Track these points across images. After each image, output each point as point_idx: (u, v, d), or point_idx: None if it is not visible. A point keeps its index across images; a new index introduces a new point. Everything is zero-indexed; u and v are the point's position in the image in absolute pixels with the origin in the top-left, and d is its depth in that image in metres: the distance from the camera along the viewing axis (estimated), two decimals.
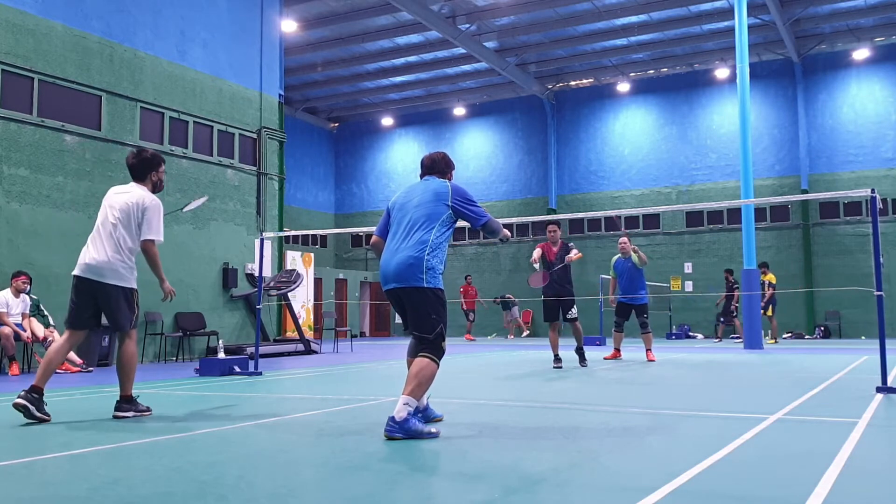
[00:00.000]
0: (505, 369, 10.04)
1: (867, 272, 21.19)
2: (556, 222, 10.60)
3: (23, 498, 2.96)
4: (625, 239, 11.90)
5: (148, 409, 5.48)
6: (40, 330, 10.24)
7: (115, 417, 5.29)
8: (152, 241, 5.46)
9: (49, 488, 3.13)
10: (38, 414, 5.04)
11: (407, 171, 29.75)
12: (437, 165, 4.97)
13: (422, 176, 5.01)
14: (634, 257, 11.65)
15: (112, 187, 5.79)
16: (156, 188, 5.69)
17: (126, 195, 5.55)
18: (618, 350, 11.79)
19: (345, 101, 29.31)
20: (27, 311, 10.15)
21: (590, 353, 13.35)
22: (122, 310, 5.42)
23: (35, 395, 5.06)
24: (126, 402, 5.39)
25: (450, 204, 4.66)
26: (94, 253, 5.41)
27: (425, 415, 4.83)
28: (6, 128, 10.89)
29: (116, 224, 5.43)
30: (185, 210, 10.89)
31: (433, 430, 4.36)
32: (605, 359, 11.59)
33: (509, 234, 5.09)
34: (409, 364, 4.81)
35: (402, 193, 4.90)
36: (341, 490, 3.04)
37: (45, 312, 10.60)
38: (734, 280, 19.12)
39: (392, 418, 4.24)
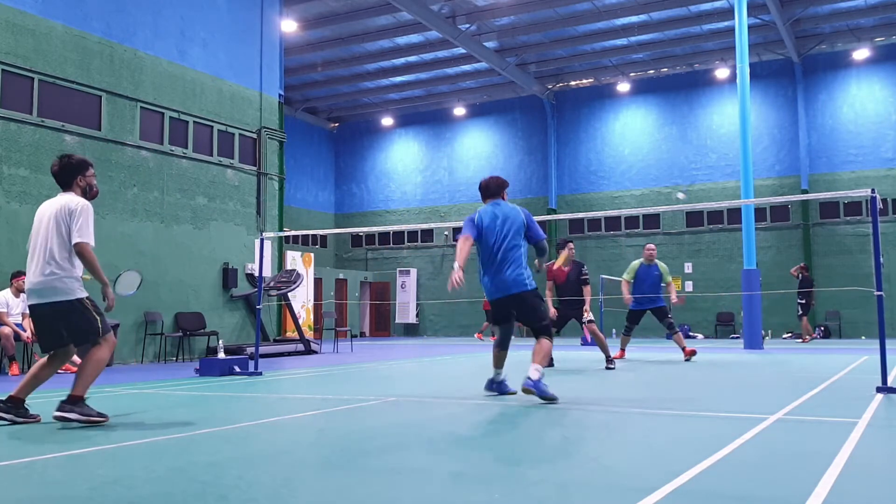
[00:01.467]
0: (505, 369, 10.02)
1: (867, 272, 21.17)
2: (571, 240, 10.73)
3: (23, 498, 2.96)
4: (653, 246, 11.68)
5: (101, 416, 4.95)
6: None
7: (56, 418, 4.85)
8: (84, 243, 5.04)
9: (49, 488, 3.13)
10: (22, 420, 4.96)
11: (407, 170, 29.75)
12: (500, 190, 6.46)
13: (486, 198, 6.44)
14: (662, 266, 11.46)
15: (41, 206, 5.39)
16: (86, 193, 5.30)
17: (50, 206, 5.21)
18: (623, 351, 11.82)
19: (345, 101, 29.30)
20: (27, 312, 10.14)
21: (590, 354, 13.36)
22: (80, 323, 5.05)
23: (10, 404, 4.96)
24: (72, 402, 4.90)
25: (525, 223, 6.25)
26: (30, 276, 5.15)
27: (500, 388, 6.56)
28: (6, 128, 10.89)
29: (46, 238, 5.09)
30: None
31: (555, 394, 5.84)
32: (614, 358, 11.46)
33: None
34: (498, 355, 6.60)
35: (489, 216, 6.25)
36: (342, 490, 3.04)
37: None
38: (810, 276, 19.41)
39: (528, 377, 5.76)
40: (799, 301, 19.11)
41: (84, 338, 5.08)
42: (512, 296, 6.07)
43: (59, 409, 4.85)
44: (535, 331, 6.09)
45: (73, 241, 5.04)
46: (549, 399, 5.78)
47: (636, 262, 11.65)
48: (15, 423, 4.92)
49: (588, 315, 10.23)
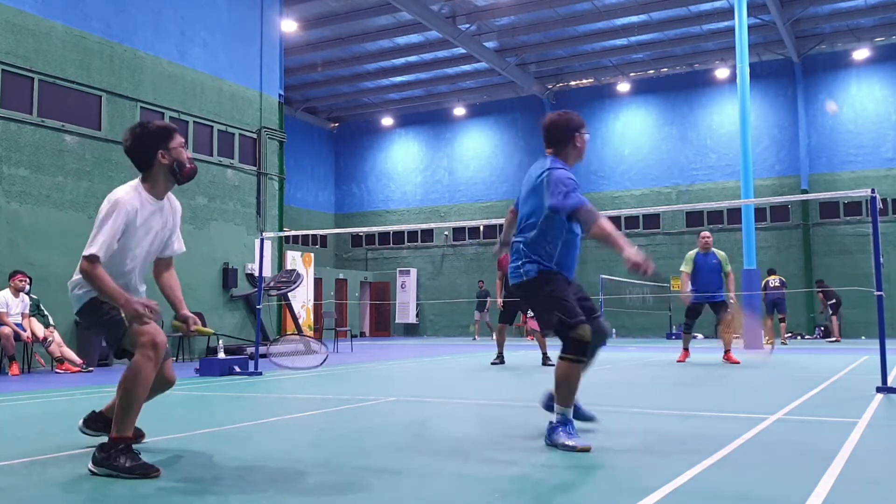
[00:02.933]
0: (504, 370, 10.04)
1: (867, 272, 21.16)
2: None
3: (23, 498, 2.96)
4: (708, 234, 11.05)
5: (153, 470, 3.35)
6: (40, 330, 10.24)
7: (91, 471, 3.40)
8: (86, 257, 3.61)
9: (49, 488, 3.13)
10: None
11: (407, 170, 29.75)
12: (551, 135, 4.35)
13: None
14: (721, 254, 10.87)
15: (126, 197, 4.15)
16: (175, 174, 3.84)
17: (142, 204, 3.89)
18: (687, 350, 11.21)
19: (345, 101, 29.31)
20: (27, 311, 10.15)
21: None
22: (103, 328, 3.83)
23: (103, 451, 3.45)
24: (105, 449, 3.39)
25: (542, 183, 4.16)
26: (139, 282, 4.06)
27: (577, 413, 4.34)
28: (6, 128, 10.89)
29: (149, 249, 3.99)
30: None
31: (572, 442, 3.84)
32: (677, 361, 11.03)
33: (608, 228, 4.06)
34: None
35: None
36: (342, 490, 3.04)
37: (45, 312, 10.60)
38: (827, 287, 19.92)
39: (550, 423, 4.05)
40: (830, 303, 19.52)
41: (116, 342, 3.83)
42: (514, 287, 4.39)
43: (92, 463, 3.50)
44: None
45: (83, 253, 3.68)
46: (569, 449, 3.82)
47: (692, 252, 10.98)
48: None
49: None
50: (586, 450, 3.76)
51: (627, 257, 3.85)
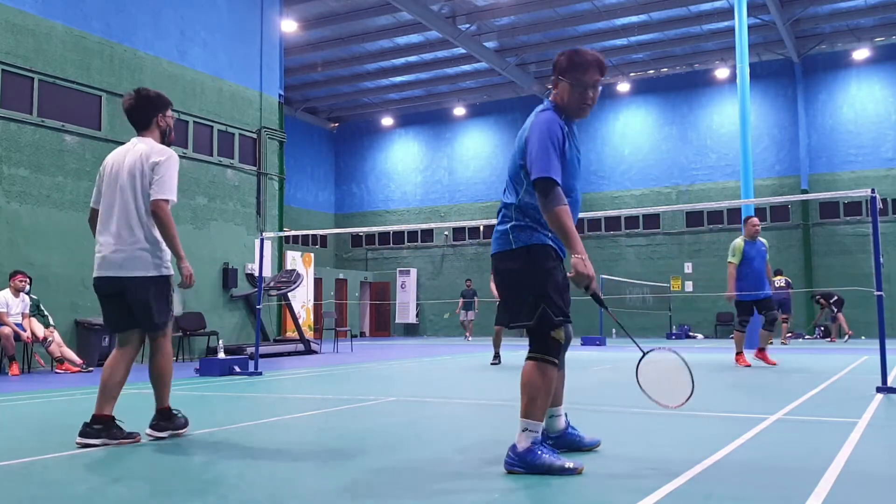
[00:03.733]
0: (504, 369, 10.05)
1: (867, 272, 21.16)
2: None
3: (23, 498, 2.96)
4: (757, 220, 9.77)
5: (186, 424, 4.42)
6: (40, 330, 10.24)
7: (151, 437, 4.25)
8: (165, 200, 4.16)
9: (49, 488, 3.13)
10: (116, 441, 4.09)
11: (407, 170, 29.75)
12: (554, 67, 3.53)
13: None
14: (766, 243, 9.82)
15: (113, 152, 4.45)
16: (164, 137, 4.45)
17: (125, 155, 4.30)
18: (743, 354, 9.83)
19: (345, 101, 29.31)
20: (27, 311, 10.15)
21: (589, 353, 13.35)
22: (155, 305, 4.23)
23: (98, 425, 4.09)
24: (164, 417, 4.32)
25: (524, 141, 3.35)
26: (109, 241, 4.20)
27: (564, 440, 3.68)
28: (6, 128, 10.89)
29: (125, 197, 4.20)
30: None
31: (570, 464, 3.25)
32: (743, 365, 9.68)
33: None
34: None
35: None
36: (342, 490, 3.04)
37: (45, 312, 10.60)
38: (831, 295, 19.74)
39: (513, 447, 3.32)
40: (832, 301, 19.43)
41: (156, 323, 4.26)
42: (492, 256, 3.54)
43: (153, 428, 4.28)
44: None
45: (153, 197, 4.15)
46: (561, 472, 3.24)
47: (739, 241, 9.71)
48: (108, 445, 4.06)
49: None
50: (580, 471, 3.25)
51: (574, 263, 3.18)
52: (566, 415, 3.82)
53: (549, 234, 3.36)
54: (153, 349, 4.36)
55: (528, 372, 3.31)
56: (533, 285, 3.31)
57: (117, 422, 4.15)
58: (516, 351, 14.93)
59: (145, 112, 4.37)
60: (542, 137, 3.27)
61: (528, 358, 3.34)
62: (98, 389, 4.20)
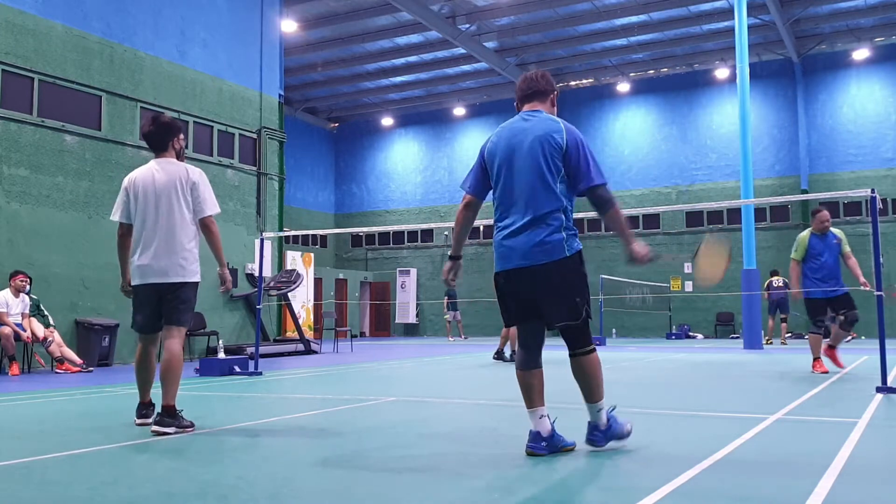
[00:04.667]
0: (504, 369, 10.04)
1: (867, 272, 21.10)
2: None
3: (23, 498, 2.96)
4: (827, 213, 8.80)
5: (191, 425, 4.68)
6: (40, 330, 10.24)
7: (155, 433, 4.48)
8: (213, 216, 4.88)
9: (49, 488, 3.13)
10: (174, 429, 4.56)
11: (407, 170, 29.75)
12: (538, 85, 4.02)
13: (519, 109, 4.05)
14: (840, 233, 8.77)
15: (140, 171, 4.93)
16: (179, 157, 4.99)
17: (163, 173, 4.80)
18: (821, 359, 8.92)
19: (345, 101, 29.31)
20: (27, 311, 10.15)
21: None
22: (187, 307, 4.84)
23: (168, 416, 4.57)
24: (168, 414, 4.57)
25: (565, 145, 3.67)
26: (160, 253, 4.75)
27: (551, 441, 3.76)
28: (6, 128, 10.89)
29: (173, 211, 4.76)
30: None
31: (629, 426, 3.94)
32: (820, 372, 8.73)
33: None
34: (526, 378, 3.79)
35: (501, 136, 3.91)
36: (342, 490, 3.04)
37: (45, 312, 10.60)
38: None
39: (595, 426, 3.79)
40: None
41: (183, 320, 4.83)
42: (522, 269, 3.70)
43: (157, 424, 4.54)
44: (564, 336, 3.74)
45: (203, 215, 4.84)
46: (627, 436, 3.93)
47: (804, 234, 8.82)
48: (178, 432, 4.56)
49: None
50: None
51: (638, 249, 3.68)
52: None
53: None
54: (171, 347, 4.74)
55: (592, 361, 3.70)
56: (582, 289, 3.69)
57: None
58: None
59: (163, 137, 4.90)
60: (588, 147, 3.73)
61: (585, 353, 3.70)
62: (165, 382, 4.65)
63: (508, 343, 11.16)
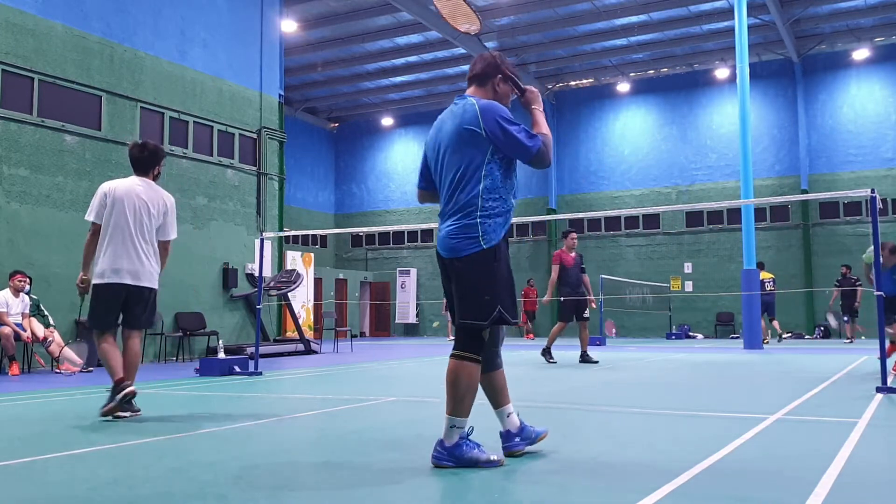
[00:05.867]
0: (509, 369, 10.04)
1: None
2: (574, 230, 11.39)
3: (23, 498, 2.96)
4: None
5: (139, 410, 5.30)
6: (40, 330, 10.24)
7: (104, 414, 5.17)
8: (170, 241, 5.68)
9: (49, 488, 3.13)
10: (129, 412, 5.20)
11: (407, 170, 29.74)
12: (474, 69, 3.81)
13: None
14: None
15: (122, 182, 5.53)
16: (156, 180, 5.69)
17: (152, 192, 5.51)
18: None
19: (345, 101, 29.30)
20: (27, 311, 10.15)
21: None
22: (152, 310, 5.53)
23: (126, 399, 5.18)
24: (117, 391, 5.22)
25: (482, 130, 3.49)
26: (133, 257, 5.36)
27: (523, 434, 3.73)
28: (6, 128, 10.89)
29: (144, 223, 5.41)
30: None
31: (494, 456, 3.44)
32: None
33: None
34: (483, 382, 3.66)
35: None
36: (342, 490, 3.04)
37: (45, 312, 10.60)
38: (854, 276, 18.50)
39: (440, 442, 3.44)
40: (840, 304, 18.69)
41: (149, 323, 5.56)
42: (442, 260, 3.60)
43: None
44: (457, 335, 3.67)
45: (168, 238, 5.57)
46: (487, 465, 3.42)
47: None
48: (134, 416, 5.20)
49: (587, 313, 11.14)
50: (502, 463, 3.44)
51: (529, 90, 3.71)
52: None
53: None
54: (135, 346, 5.42)
55: (468, 370, 3.51)
56: (497, 282, 3.51)
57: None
58: (515, 351, 14.93)
59: (150, 162, 5.57)
60: (509, 117, 3.66)
61: (466, 358, 3.51)
62: (128, 368, 5.27)
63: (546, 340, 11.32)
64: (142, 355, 5.61)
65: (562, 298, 11.06)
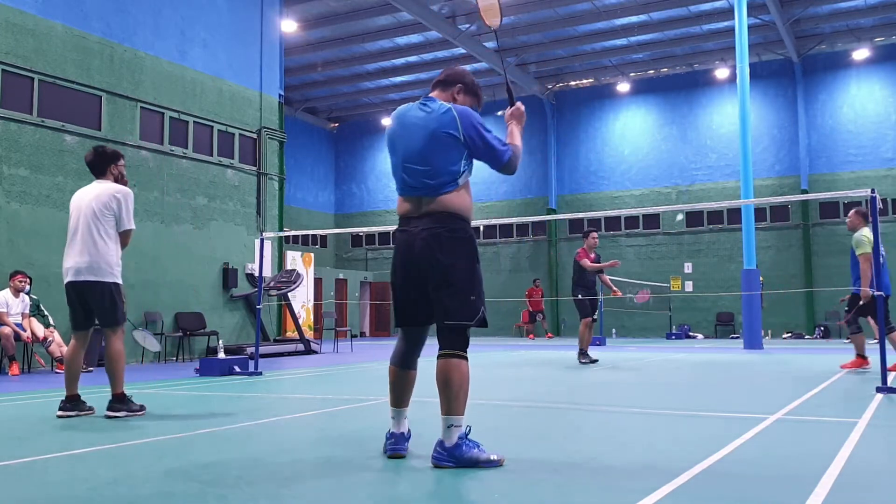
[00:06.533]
0: (503, 369, 10.04)
1: None
2: (595, 229, 11.36)
3: (23, 498, 2.96)
4: None
5: (142, 408, 5.44)
6: (40, 330, 10.24)
7: (108, 417, 5.27)
8: (132, 230, 5.68)
9: (49, 488, 3.13)
10: (79, 412, 5.39)
11: None
12: (441, 75, 3.84)
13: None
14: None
15: (80, 190, 5.80)
16: (118, 181, 5.76)
17: (101, 190, 5.62)
18: None
19: (345, 101, 29.31)
20: (27, 311, 10.15)
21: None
22: (111, 305, 5.50)
23: (71, 403, 5.39)
24: (118, 401, 5.37)
25: (461, 135, 3.53)
26: (76, 256, 5.51)
27: (392, 445, 3.72)
28: (6, 128, 10.89)
29: (88, 222, 5.54)
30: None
31: (494, 456, 3.44)
32: None
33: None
34: (397, 375, 3.76)
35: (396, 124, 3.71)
36: (342, 490, 3.04)
37: (45, 312, 10.60)
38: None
39: (440, 443, 3.44)
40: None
41: (113, 320, 5.48)
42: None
43: (109, 410, 5.32)
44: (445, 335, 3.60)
45: (125, 228, 5.59)
46: (487, 465, 3.42)
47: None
48: (79, 415, 5.38)
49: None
50: (503, 463, 3.46)
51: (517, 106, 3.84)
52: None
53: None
54: (115, 345, 5.47)
55: (461, 368, 3.56)
56: (473, 278, 3.61)
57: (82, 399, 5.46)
58: (515, 351, 14.92)
59: (100, 164, 5.73)
60: (481, 124, 3.65)
61: (458, 356, 3.55)
62: (113, 375, 5.39)
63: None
64: (123, 357, 5.53)
65: (579, 296, 10.89)
